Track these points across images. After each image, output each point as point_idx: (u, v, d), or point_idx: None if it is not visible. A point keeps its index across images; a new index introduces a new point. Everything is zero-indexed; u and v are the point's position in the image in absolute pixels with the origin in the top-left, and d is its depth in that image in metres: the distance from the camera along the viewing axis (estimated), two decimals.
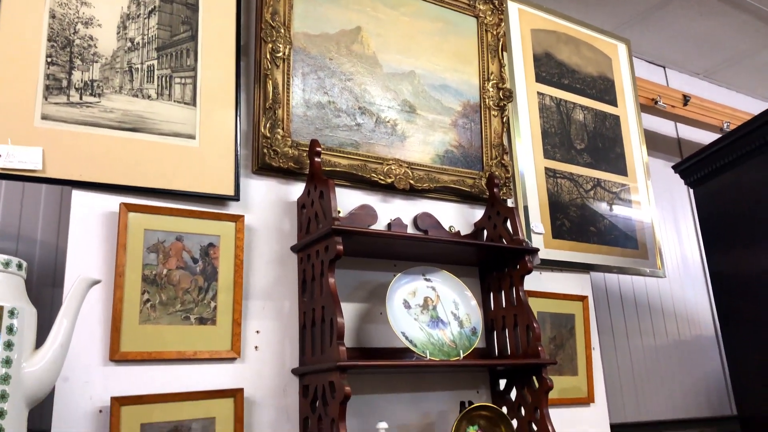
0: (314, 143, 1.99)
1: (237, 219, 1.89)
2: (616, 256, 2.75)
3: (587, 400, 2.48)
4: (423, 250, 2.10)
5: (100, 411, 1.60)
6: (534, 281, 2.48)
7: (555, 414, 2.15)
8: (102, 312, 1.67)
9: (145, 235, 1.75)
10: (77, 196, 1.73)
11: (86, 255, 1.70)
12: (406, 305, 2.02)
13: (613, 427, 2.55)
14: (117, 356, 1.64)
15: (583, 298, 2.58)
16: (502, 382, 2.23)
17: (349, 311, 2.04)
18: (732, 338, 2.95)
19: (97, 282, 1.44)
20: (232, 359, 1.81)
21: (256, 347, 1.87)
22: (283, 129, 2.04)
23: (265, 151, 1.99)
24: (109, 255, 1.72)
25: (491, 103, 2.54)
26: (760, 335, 2.78)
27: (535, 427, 2.06)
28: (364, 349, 2.03)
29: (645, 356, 3.22)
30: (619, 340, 3.14)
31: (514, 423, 2.08)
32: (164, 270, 1.76)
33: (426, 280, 2.10)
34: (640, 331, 3.25)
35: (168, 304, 1.75)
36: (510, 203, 2.51)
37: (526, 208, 2.54)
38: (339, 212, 1.98)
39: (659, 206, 3.48)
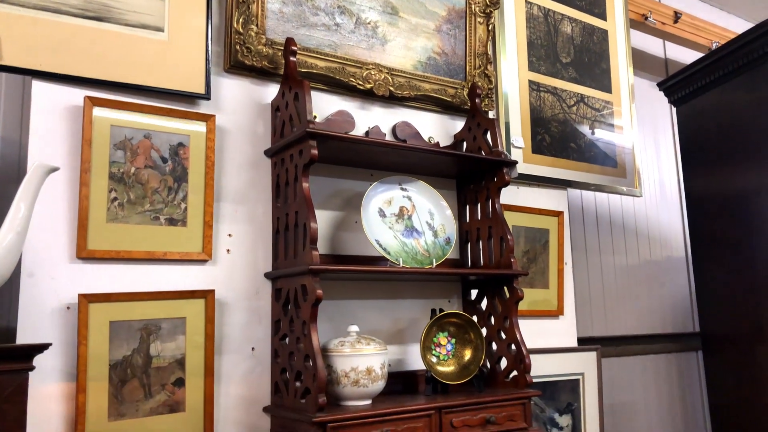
0: (290, 41, 1.90)
1: (208, 119, 1.82)
2: (595, 173, 2.74)
3: (557, 312, 2.54)
4: (401, 159, 2.06)
5: (68, 308, 1.59)
6: (511, 195, 2.47)
7: (524, 325, 2.19)
8: (67, 209, 1.63)
9: (111, 132, 1.68)
10: (38, 87, 1.65)
11: (49, 150, 1.63)
12: (382, 214, 2.00)
13: (580, 340, 2.62)
14: (84, 254, 1.61)
15: (558, 214, 2.58)
16: (474, 292, 2.26)
17: (323, 219, 2.02)
18: (701, 258, 3.01)
19: (54, 169, 1.38)
20: (203, 261, 1.79)
21: (228, 250, 1.85)
22: (257, 25, 1.94)
23: (238, 48, 1.90)
24: (74, 150, 1.65)
25: (477, 9, 2.43)
26: (729, 255, 2.84)
27: (503, 336, 2.10)
28: (337, 256, 2.03)
29: (615, 274, 3.28)
30: (591, 258, 3.19)
31: (484, 332, 2.12)
32: (132, 168, 1.71)
33: (402, 189, 2.08)
34: (613, 250, 3.30)
35: (136, 204, 1.71)
36: (491, 115, 2.46)
37: (507, 123, 2.50)
38: (315, 117, 1.92)
39: (641, 126, 3.45)
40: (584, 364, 2.56)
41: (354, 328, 1.85)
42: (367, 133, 2.13)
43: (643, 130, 3.51)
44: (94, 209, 1.64)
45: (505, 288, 2.11)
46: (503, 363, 2.10)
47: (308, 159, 1.74)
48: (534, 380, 2.08)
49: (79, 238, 1.61)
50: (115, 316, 1.61)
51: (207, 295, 1.75)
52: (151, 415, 1.65)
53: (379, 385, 1.79)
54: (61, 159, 1.64)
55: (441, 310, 2.04)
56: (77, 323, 1.56)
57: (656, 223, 3.52)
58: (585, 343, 2.67)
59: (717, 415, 2.95)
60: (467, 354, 2.06)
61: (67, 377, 1.56)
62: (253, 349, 1.85)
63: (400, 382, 2.07)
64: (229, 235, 1.86)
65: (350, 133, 2.06)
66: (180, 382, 1.69)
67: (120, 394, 1.61)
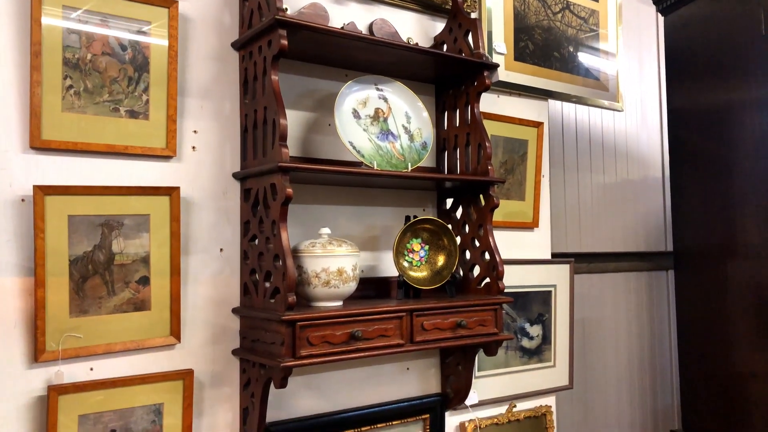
0: None
1: (170, 4, 1.70)
2: (577, 85, 2.67)
3: (532, 224, 2.52)
4: (377, 58, 1.96)
5: (23, 200, 1.51)
6: (490, 104, 2.40)
7: (499, 236, 2.17)
8: (18, 96, 1.52)
9: (63, 12, 1.55)
10: None
11: None
12: (356, 115, 1.92)
13: (553, 255, 2.62)
14: (38, 143, 1.52)
15: (538, 125, 2.52)
16: (449, 201, 2.22)
17: (294, 119, 1.94)
18: (679, 174, 3.00)
19: None
20: (167, 157, 1.71)
21: (193, 147, 1.76)
22: None
23: None
24: (22, 32, 1.53)
25: None
26: (707, 170, 2.83)
27: (477, 243, 2.08)
28: (309, 159, 1.96)
29: (592, 192, 3.27)
30: (568, 174, 3.16)
31: (458, 240, 2.10)
32: (88, 54, 1.59)
33: (378, 89, 1.99)
34: (590, 168, 3.28)
35: (94, 93, 1.60)
36: (474, 17, 2.34)
37: (490, 33, 2.39)
38: (286, 9, 1.80)
39: (626, 40, 3.35)
40: (557, 277, 2.57)
41: (326, 230, 1.80)
42: (342, 28, 2.01)
43: (628, 44, 3.41)
44: (47, 97, 1.53)
45: (481, 196, 2.07)
46: (476, 271, 2.09)
47: (277, 50, 1.64)
48: (506, 290, 2.08)
49: (32, 128, 1.51)
50: (73, 210, 1.54)
51: (171, 192, 1.68)
52: (116, 313, 1.60)
53: (351, 286, 1.76)
54: (7, 40, 1.51)
55: (415, 217, 2.00)
56: (33, 216, 1.49)
57: (635, 142, 3.49)
58: (558, 257, 2.68)
59: (684, 330, 3.02)
60: (440, 260, 2.04)
61: (25, 272, 1.50)
62: (221, 250, 1.80)
63: (372, 288, 2.05)
64: (195, 131, 1.77)
65: None
66: (145, 281, 1.64)
67: (82, 291, 1.55)
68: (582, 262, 3.12)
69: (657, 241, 3.54)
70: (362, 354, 1.70)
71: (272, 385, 1.66)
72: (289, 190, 1.60)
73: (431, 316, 1.85)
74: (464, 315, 1.91)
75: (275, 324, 1.62)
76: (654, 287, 3.50)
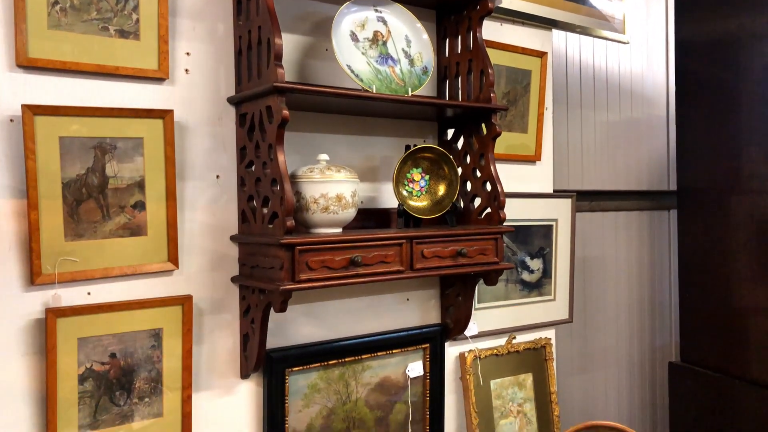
0: None
1: None
2: (582, 15, 2.59)
3: (534, 158, 2.48)
4: None
5: (11, 120, 1.46)
6: (493, 32, 2.33)
7: (501, 169, 2.12)
8: (1, 10, 1.46)
9: None
10: None
11: None
12: (354, 37, 1.85)
13: (555, 191, 2.58)
14: (24, 61, 1.46)
15: (542, 54, 2.45)
16: (450, 132, 2.17)
17: (290, 43, 1.87)
18: (686, 109, 2.94)
19: None
20: (159, 80, 1.66)
21: (186, 70, 1.71)
22: None
23: None
24: None
25: None
26: (714, 103, 2.77)
27: (478, 173, 2.05)
28: (306, 84, 1.90)
29: (595, 129, 3.22)
30: (572, 112, 3.10)
31: (459, 171, 2.06)
32: None
33: (377, 11, 1.92)
34: (594, 105, 3.21)
35: (81, 10, 1.54)
36: None
37: None
38: None
39: None
40: (558, 211, 2.55)
41: (324, 156, 1.76)
42: None
43: None
44: (32, 12, 1.47)
45: (483, 125, 2.02)
46: (477, 202, 2.07)
47: None
48: (507, 223, 2.05)
49: (18, 44, 1.46)
50: (64, 132, 1.50)
51: (165, 115, 1.63)
52: (111, 237, 1.58)
53: (350, 213, 1.73)
54: None
55: (416, 146, 1.96)
56: (23, 136, 1.45)
57: (640, 79, 3.41)
58: (560, 193, 2.64)
59: (685, 266, 3.01)
60: (441, 189, 2.00)
61: (17, 194, 1.47)
62: (218, 176, 1.77)
63: (371, 218, 2.03)
64: (187, 53, 1.71)
65: None
66: (140, 205, 1.62)
67: (76, 214, 1.53)
68: (584, 200, 3.09)
69: (660, 180, 3.50)
70: (362, 279, 1.69)
71: (272, 312, 1.66)
72: (286, 112, 1.56)
73: (431, 244, 1.83)
74: (465, 243, 1.89)
75: (274, 248, 1.60)
76: (655, 227, 3.48)
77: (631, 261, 3.36)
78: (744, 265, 2.68)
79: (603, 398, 3.12)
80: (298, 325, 1.91)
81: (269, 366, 1.81)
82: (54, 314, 1.48)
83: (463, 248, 1.88)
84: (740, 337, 2.70)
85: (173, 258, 1.67)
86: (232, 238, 1.78)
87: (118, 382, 1.59)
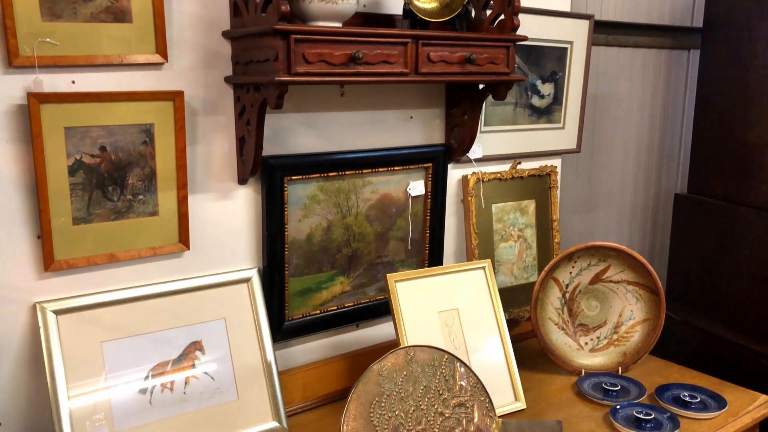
0: None
1: None
2: None
3: None
4: None
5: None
6: None
7: None
8: None
9: None
10: None
11: None
12: None
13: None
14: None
15: None
16: None
17: None
18: None
19: None
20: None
21: None
22: None
23: None
24: None
25: None
26: None
27: None
28: None
29: None
30: None
31: None
32: None
33: None
34: None
35: None
36: None
37: None
38: None
39: None
40: (574, 33, 2.39)
41: None
42: None
43: None
44: None
45: None
46: (489, 10, 1.91)
47: None
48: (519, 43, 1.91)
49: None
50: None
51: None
52: (93, 22, 1.46)
53: (350, 4, 1.59)
54: None
55: None
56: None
57: None
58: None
59: (702, 104, 2.90)
60: None
61: None
62: None
63: (373, 23, 1.89)
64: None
65: None
66: None
67: None
68: (600, 32, 2.90)
69: (683, 15, 3.28)
70: (363, 78, 1.59)
71: (269, 116, 1.58)
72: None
73: (438, 47, 1.70)
74: (474, 49, 1.77)
75: (268, 38, 1.48)
76: (673, 67, 3.31)
77: (644, 101, 3.23)
78: (765, 106, 2.57)
79: (604, 232, 3.13)
80: (297, 135, 1.83)
81: (267, 172, 1.76)
82: (36, 99, 1.40)
83: (473, 54, 1.76)
84: (753, 167, 2.66)
85: (161, 50, 1.55)
86: (224, 34, 1.66)
87: (111, 177, 1.54)
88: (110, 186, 1.55)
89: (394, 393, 1.40)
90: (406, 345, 1.59)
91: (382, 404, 1.38)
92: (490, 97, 1.98)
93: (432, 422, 1.42)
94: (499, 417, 1.52)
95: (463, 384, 1.48)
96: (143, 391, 1.60)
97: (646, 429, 1.77)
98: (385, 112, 2.00)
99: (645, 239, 3.34)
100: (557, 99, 2.41)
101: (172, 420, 1.62)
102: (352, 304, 2.03)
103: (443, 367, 1.47)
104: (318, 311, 1.96)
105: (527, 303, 2.33)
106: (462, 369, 1.49)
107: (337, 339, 2.04)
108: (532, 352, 2.25)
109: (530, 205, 2.37)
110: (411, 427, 1.39)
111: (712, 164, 2.86)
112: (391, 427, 1.37)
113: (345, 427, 1.32)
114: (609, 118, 3.07)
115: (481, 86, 1.98)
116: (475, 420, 1.46)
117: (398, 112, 2.02)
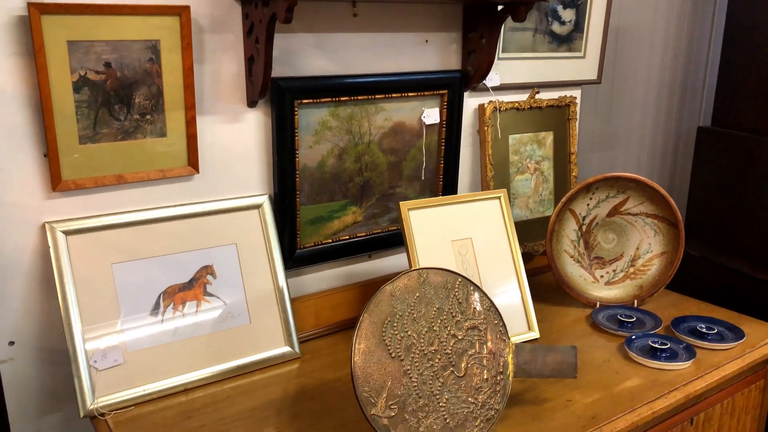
0: None
1: None
2: None
3: None
4: None
5: None
6: None
7: None
8: None
9: None
10: None
11: None
12: None
13: None
14: None
15: None
16: None
17: None
18: None
19: None
20: None
21: None
22: None
23: None
24: None
25: None
26: None
27: None
28: None
29: None
30: None
31: None
32: None
33: None
34: None
35: None
36: None
37: None
38: None
39: None
40: None
41: None
42: None
43: None
44: None
45: None
46: None
47: None
48: None
49: None
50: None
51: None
52: None
53: None
54: None
55: None
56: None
57: None
58: None
59: (732, 34, 2.78)
60: None
61: None
62: None
63: None
64: None
65: None
66: None
67: None
68: None
69: None
70: None
71: (278, 37, 1.51)
72: None
73: None
74: None
75: None
76: (700, 2, 3.17)
77: (668, 32, 3.10)
78: None
79: (622, 169, 3.05)
80: (308, 57, 1.77)
81: (277, 95, 1.70)
82: (37, 9, 1.35)
83: None
84: None
85: None
86: None
87: (117, 95, 1.50)
88: (116, 104, 1.51)
89: (407, 314, 1.38)
90: (419, 267, 1.56)
91: (395, 324, 1.36)
92: (508, 22, 1.90)
93: (444, 343, 1.40)
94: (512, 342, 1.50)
95: (477, 307, 1.46)
96: (155, 313, 1.59)
97: (661, 359, 1.75)
98: (400, 34, 1.92)
99: (663, 175, 3.27)
100: (578, 26, 2.31)
101: (186, 342, 1.62)
102: (364, 234, 2.00)
103: (456, 290, 1.45)
104: (330, 240, 1.94)
105: (542, 237, 2.29)
106: (476, 293, 1.47)
107: (349, 269, 2.02)
108: (547, 286, 2.22)
109: (548, 137, 2.31)
110: (423, 348, 1.37)
111: (740, 96, 2.76)
112: (403, 347, 1.35)
113: (357, 345, 1.31)
114: (631, 50, 2.96)
115: (499, 7, 1.89)
116: (488, 343, 1.45)
117: (413, 36, 1.95)
